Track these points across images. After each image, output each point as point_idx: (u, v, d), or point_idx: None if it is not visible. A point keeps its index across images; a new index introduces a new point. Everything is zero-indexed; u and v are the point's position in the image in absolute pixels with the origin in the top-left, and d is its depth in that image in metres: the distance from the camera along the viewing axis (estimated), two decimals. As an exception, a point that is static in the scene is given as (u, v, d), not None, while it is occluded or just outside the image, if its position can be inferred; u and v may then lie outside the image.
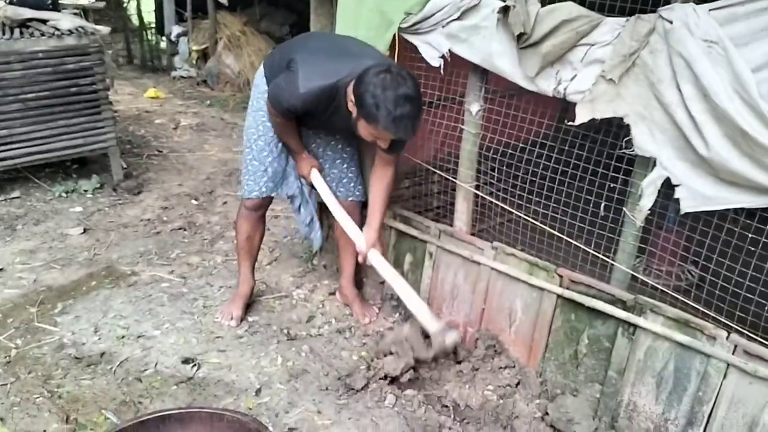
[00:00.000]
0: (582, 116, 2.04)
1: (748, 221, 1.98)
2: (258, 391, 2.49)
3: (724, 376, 2.02)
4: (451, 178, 2.71)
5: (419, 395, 2.48)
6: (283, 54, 2.50)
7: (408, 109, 2.09)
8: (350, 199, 2.84)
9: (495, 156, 2.59)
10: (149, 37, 9.39)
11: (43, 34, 3.99)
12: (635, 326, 2.18)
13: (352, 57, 2.32)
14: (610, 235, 2.26)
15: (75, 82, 4.09)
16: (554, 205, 2.44)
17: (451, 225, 2.75)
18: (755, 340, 1.97)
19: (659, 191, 2.01)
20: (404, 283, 2.53)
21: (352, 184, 2.83)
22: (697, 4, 1.77)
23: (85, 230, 3.81)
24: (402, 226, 2.93)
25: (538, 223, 2.47)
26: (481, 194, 2.65)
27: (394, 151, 2.47)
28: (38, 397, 2.38)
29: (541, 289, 2.43)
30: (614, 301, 2.23)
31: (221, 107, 7.09)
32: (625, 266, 2.21)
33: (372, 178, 2.64)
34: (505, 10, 2.11)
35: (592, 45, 2.00)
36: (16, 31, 4.02)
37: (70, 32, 4.04)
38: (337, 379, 2.58)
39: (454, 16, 2.31)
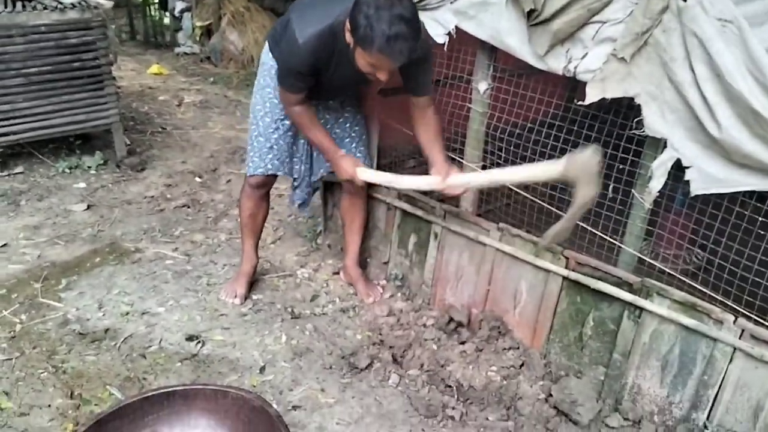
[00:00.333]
0: (592, 96, 2.01)
1: (758, 204, 1.96)
2: (262, 369, 2.50)
3: (730, 360, 2.01)
4: (457, 158, 2.69)
5: (423, 375, 2.48)
6: (282, 22, 2.46)
7: (403, 29, 1.98)
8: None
9: (502, 136, 2.56)
10: (152, 13, 9.30)
11: (45, 8, 3.94)
12: (641, 309, 2.17)
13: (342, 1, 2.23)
14: (617, 217, 2.24)
15: (78, 56, 4.05)
16: (561, 186, 2.41)
17: (457, 206, 2.73)
18: (762, 324, 1.96)
19: (668, 173, 1.99)
20: (512, 171, 2.24)
21: (353, 144, 2.77)
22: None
23: (88, 206, 3.80)
24: (407, 207, 2.91)
25: (544, 204, 2.45)
26: (487, 174, 2.63)
27: (424, 90, 2.38)
28: (43, 372, 2.39)
29: (547, 270, 2.42)
30: (620, 283, 2.21)
31: (225, 84, 7.03)
32: (632, 249, 2.19)
33: (416, 122, 2.49)
34: (515, -14, 2.06)
35: (604, 23, 1.95)
36: (18, 3, 3.97)
37: (73, 6, 3.98)
38: (341, 357, 2.58)
39: (463, -9, 2.26)
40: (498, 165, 2.60)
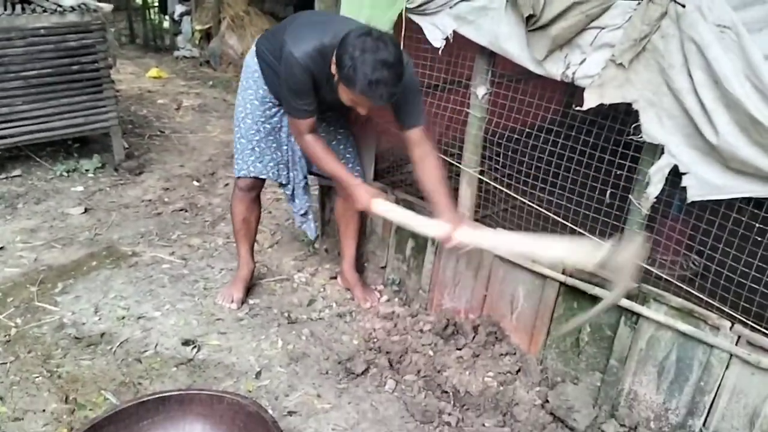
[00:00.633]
0: (590, 101, 2.01)
1: (755, 211, 1.95)
2: (258, 374, 2.49)
3: (727, 367, 2.00)
4: (455, 163, 2.68)
5: (419, 381, 2.47)
6: (276, 38, 2.45)
7: (385, 75, 2.02)
8: None
9: (500, 141, 2.55)
10: (152, 16, 9.31)
11: (45, 10, 3.93)
12: (638, 315, 2.17)
13: (336, 23, 2.33)
14: (615, 222, 2.23)
15: (77, 59, 4.05)
16: (559, 191, 2.41)
17: (454, 210, 2.72)
18: (759, 331, 1.95)
19: (666, 179, 1.99)
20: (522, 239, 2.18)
21: (350, 165, 2.79)
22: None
23: (86, 210, 3.79)
24: (404, 211, 2.90)
25: (542, 210, 2.44)
26: (485, 180, 2.63)
27: (414, 121, 2.36)
28: (38, 377, 2.38)
29: (544, 276, 2.42)
30: (618, 289, 2.21)
31: (224, 88, 7.03)
32: (630, 254, 2.18)
33: (416, 167, 2.43)
34: (513, -8, 2.06)
35: (603, 28, 1.95)
36: (18, 6, 3.97)
37: (73, 9, 3.98)
38: (337, 363, 2.57)
39: (462, -4, 2.26)
40: (496, 170, 2.61)
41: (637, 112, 1.95)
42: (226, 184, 4.33)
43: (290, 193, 2.88)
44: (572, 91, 2.21)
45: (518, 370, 2.52)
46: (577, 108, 2.05)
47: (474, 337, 2.63)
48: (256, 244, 3.07)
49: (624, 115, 2.06)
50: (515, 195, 2.52)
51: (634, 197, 2.09)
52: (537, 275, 2.45)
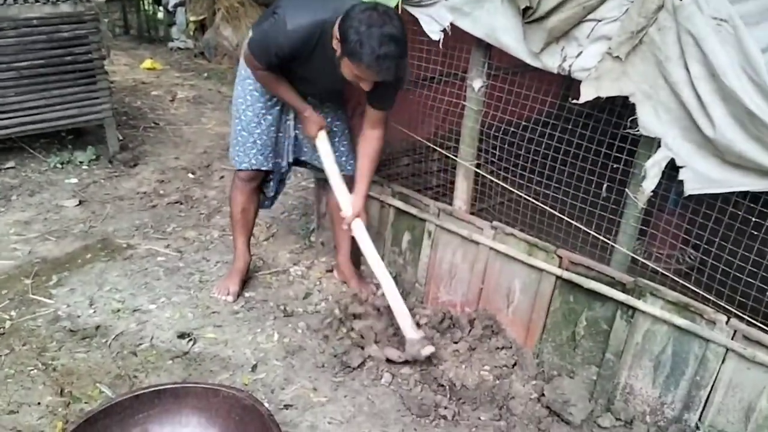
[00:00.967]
0: (586, 94, 2.00)
1: (751, 205, 1.95)
2: (254, 367, 2.48)
3: (723, 361, 2.01)
4: (451, 156, 2.67)
5: (415, 374, 2.47)
6: (268, 11, 2.45)
7: (392, 49, 2.04)
8: (342, 173, 2.79)
9: (496, 134, 2.55)
10: (146, 7, 9.25)
11: (37, 1, 3.89)
12: (634, 309, 2.17)
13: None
14: (611, 216, 2.23)
15: (70, 50, 4.02)
16: (555, 185, 2.40)
17: (451, 204, 2.72)
18: (755, 325, 1.96)
19: (662, 172, 1.98)
20: (385, 272, 2.56)
21: (343, 158, 2.79)
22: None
23: (80, 202, 3.77)
24: (401, 204, 2.90)
25: (538, 203, 2.44)
26: (481, 173, 2.62)
27: (383, 105, 2.44)
28: (32, 370, 2.37)
29: (540, 269, 2.41)
30: (613, 283, 2.21)
31: (218, 80, 7.00)
32: (626, 248, 2.19)
33: (360, 142, 2.59)
34: (510, -16, 2.05)
35: (599, 21, 1.94)
36: (10, -3, 3.94)
37: (65, -1, 3.96)
38: (333, 356, 2.57)
39: (459, -12, 2.25)
40: (492, 163, 2.60)
41: (633, 105, 1.95)
42: (222, 177, 4.31)
43: (271, 177, 2.88)
44: (569, 84, 2.20)
45: (514, 364, 2.52)
46: (574, 101, 2.05)
47: (470, 331, 2.63)
48: (252, 237, 3.06)
49: (621, 108, 2.05)
50: (511, 188, 2.51)
51: (631, 191, 2.09)
52: (533, 269, 2.44)
